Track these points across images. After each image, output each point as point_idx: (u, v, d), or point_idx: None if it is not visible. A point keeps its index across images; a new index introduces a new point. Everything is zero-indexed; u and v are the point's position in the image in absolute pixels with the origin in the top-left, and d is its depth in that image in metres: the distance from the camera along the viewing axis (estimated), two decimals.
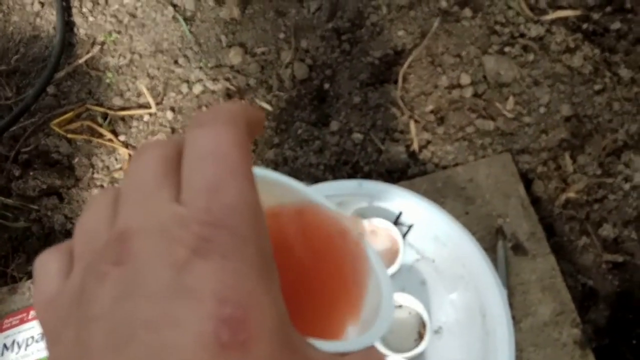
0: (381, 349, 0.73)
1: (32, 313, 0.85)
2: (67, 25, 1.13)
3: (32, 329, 0.84)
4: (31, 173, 1.00)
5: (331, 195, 0.84)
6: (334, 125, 0.97)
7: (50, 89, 1.08)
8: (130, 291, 0.21)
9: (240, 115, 0.26)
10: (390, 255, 0.79)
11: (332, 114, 0.99)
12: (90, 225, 0.25)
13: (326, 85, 1.01)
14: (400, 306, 0.77)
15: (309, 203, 0.32)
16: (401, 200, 0.81)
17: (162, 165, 0.25)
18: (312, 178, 0.94)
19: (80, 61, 1.10)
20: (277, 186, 0.32)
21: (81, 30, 1.13)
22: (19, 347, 0.83)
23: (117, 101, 1.06)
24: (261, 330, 0.21)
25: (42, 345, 0.82)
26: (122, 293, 0.21)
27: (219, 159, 0.23)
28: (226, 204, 0.22)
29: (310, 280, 0.31)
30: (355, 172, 0.93)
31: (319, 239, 0.32)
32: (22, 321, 0.85)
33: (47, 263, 0.25)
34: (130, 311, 0.21)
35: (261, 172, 0.31)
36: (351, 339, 0.29)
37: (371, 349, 0.28)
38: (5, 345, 0.83)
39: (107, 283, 0.21)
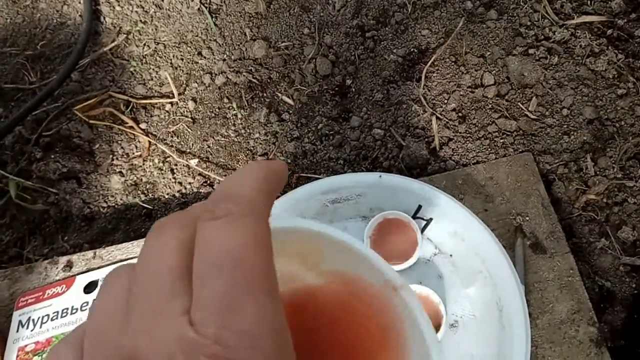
0: None
1: (47, 292, 0.85)
2: (94, 13, 1.14)
3: (48, 307, 0.84)
4: (52, 156, 1.01)
5: (351, 187, 0.84)
6: (355, 121, 0.97)
7: (75, 75, 1.09)
8: None
9: (260, 193, 0.24)
10: (408, 249, 0.79)
11: (353, 109, 0.99)
12: (102, 320, 0.23)
13: (348, 81, 1.01)
14: None
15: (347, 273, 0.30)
16: (421, 194, 0.82)
17: (176, 259, 0.22)
18: (331, 172, 0.94)
19: (105, 49, 1.11)
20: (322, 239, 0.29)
21: (107, 19, 1.15)
22: (34, 324, 0.83)
23: (140, 90, 1.07)
24: None
25: (56, 323, 0.82)
26: None
27: (233, 268, 0.21)
28: (241, 330, 0.20)
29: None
30: (374, 167, 0.94)
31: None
32: (38, 300, 0.85)
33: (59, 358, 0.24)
34: None
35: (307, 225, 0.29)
36: None
37: None
38: (20, 322, 0.84)
39: None
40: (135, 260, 0.24)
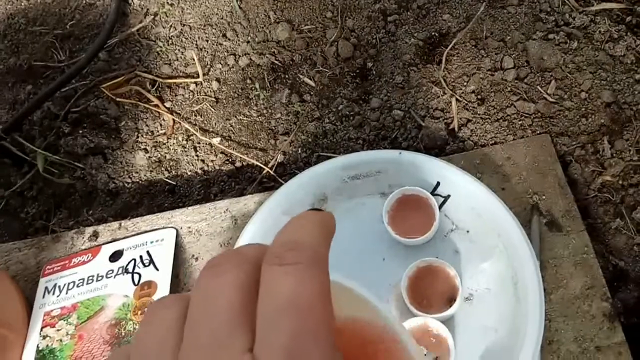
0: (413, 310, 0.74)
1: (73, 260, 0.88)
2: None
3: (74, 274, 0.86)
4: (80, 131, 1.04)
5: (371, 163, 0.86)
6: (375, 102, 0.99)
7: (103, 55, 1.12)
8: None
9: (323, 243, 0.25)
10: (426, 225, 0.80)
11: (374, 91, 1.01)
12: (152, 346, 0.24)
13: (369, 64, 1.03)
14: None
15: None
16: (439, 171, 0.83)
17: (239, 297, 0.23)
18: (351, 151, 0.96)
19: (133, 30, 1.14)
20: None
21: (135, 1, 1.17)
22: (60, 290, 0.85)
23: (166, 69, 1.10)
24: None
25: (82, 289, 0.85)
26: None
27: (301, 315, 0.21)
28: None
29: None
30: (393, 147, 0.95)
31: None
32: (64, 267, 0.88)
33: None
34: None
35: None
36: None
37: None
38: (46, 289, 0.86)
39: None
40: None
